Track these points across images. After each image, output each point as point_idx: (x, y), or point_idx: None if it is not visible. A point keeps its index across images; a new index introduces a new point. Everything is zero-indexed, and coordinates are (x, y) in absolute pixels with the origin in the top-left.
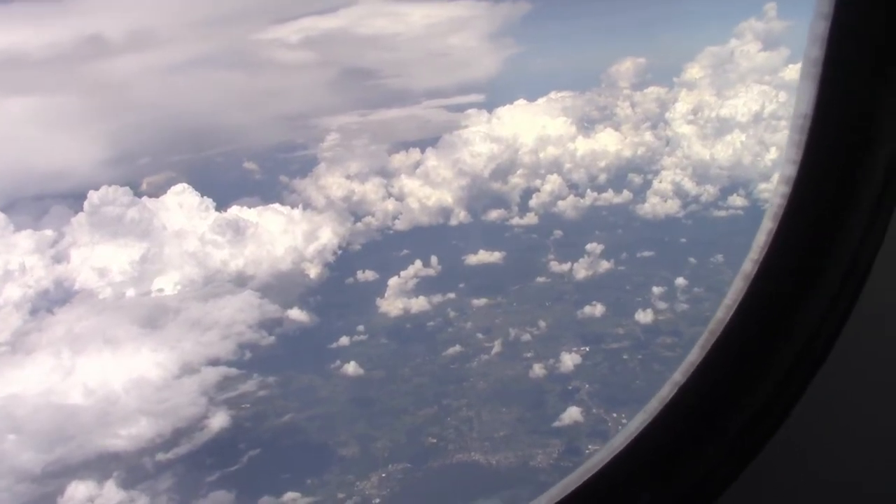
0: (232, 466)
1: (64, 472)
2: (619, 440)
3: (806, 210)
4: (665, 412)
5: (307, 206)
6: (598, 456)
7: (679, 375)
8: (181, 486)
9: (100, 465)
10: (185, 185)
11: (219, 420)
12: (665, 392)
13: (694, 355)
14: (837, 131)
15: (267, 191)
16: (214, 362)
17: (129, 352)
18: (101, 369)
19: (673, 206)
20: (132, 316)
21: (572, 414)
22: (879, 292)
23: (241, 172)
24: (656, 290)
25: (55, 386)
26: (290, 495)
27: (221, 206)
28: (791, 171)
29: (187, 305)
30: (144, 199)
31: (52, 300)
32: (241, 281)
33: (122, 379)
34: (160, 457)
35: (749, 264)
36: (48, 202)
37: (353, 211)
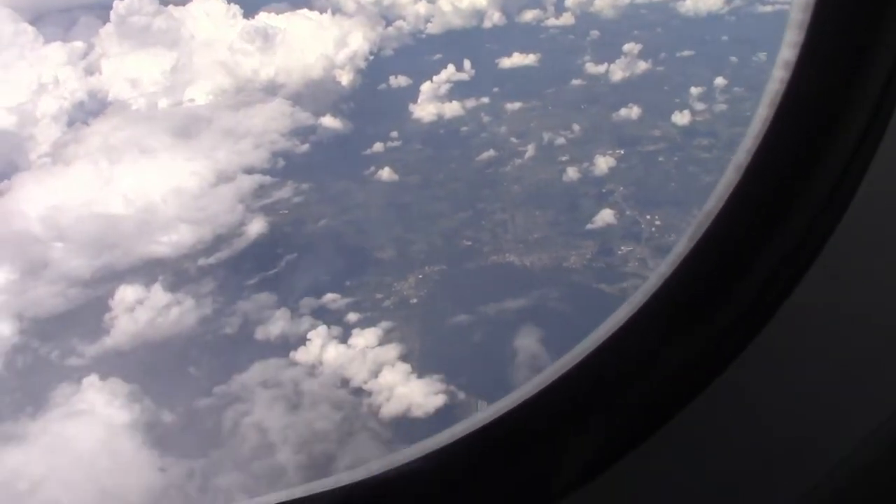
0: (271, 270)
1: (112, 277)
2: (601, 332)
3: (806, 97)
4: (649, 305)
5: (337, 10)
6: (581, 347)
7: (665, 267)
8: (223, 289)
9: (145, 271)
10: None
11: (256, 226)
12: (650, 284)
13: (681, 247)
14: (844, 12)
15: None
16: (249, 170)
17: (164, 161)
18: (138, 179)
19: (715, 3)
20: (166, 126)
21: (605, 216)
22: (879, 187)
23: None
24: (694, 90)
25: (96, 196)
26: (329, 296)
27: (249, 12)
28: (791, 54)
29: (219, 115)
30: (170, 7)
31: (87, 112)
32: (271, 89)
33: (160, 188)
34: (202, 262)
35: (742, 154)
36: (76, 13)
37: (384, 15)
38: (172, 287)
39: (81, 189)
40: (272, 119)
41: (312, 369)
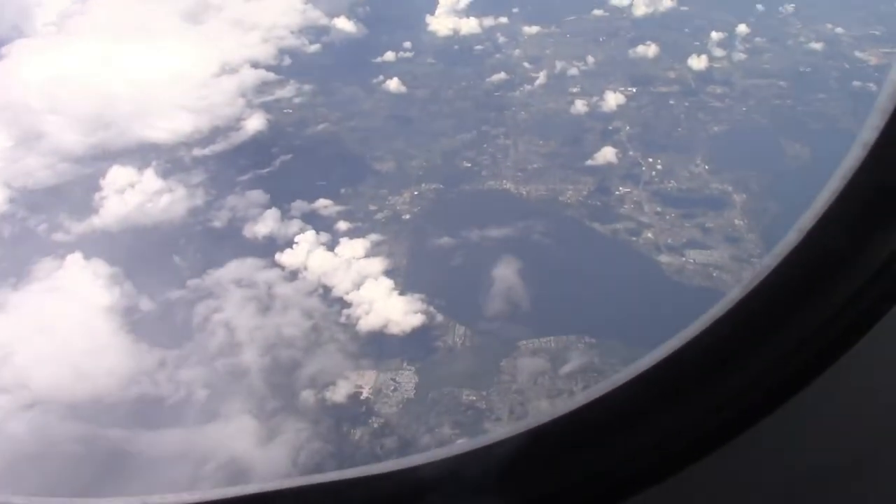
0: (265, 169)
1: (105, 156)
2: (649, 360)
3: (872, 188)
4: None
5: None
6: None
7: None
8: (215, 182)
9: (139, 154)
10: None
11: (255, 123)
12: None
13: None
14: None
15: None
16: (254, 64)
17: (170, 45)
18: (142, 60)
19: None
20: (175, 8)
21: (607, 154)
22: None
23: None
24: (715, 35)
25: (96, 72)
26: (322, 202)
27: None
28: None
29: (230, 3)
30: None
31: None
32: None
33: (163, 72)
34: (196, 152)
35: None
36: None
37: None
38: (165, 174)
39: (83, 63)
40: (283, 14)
41: (295, 273)
